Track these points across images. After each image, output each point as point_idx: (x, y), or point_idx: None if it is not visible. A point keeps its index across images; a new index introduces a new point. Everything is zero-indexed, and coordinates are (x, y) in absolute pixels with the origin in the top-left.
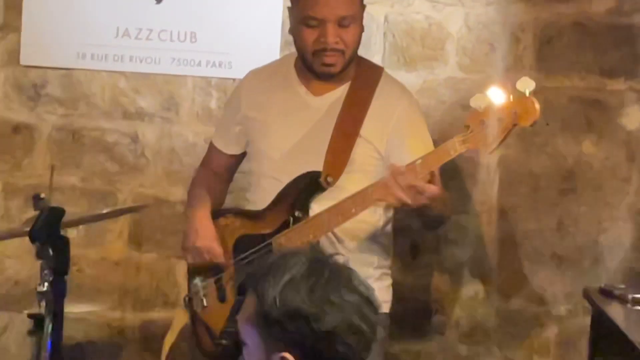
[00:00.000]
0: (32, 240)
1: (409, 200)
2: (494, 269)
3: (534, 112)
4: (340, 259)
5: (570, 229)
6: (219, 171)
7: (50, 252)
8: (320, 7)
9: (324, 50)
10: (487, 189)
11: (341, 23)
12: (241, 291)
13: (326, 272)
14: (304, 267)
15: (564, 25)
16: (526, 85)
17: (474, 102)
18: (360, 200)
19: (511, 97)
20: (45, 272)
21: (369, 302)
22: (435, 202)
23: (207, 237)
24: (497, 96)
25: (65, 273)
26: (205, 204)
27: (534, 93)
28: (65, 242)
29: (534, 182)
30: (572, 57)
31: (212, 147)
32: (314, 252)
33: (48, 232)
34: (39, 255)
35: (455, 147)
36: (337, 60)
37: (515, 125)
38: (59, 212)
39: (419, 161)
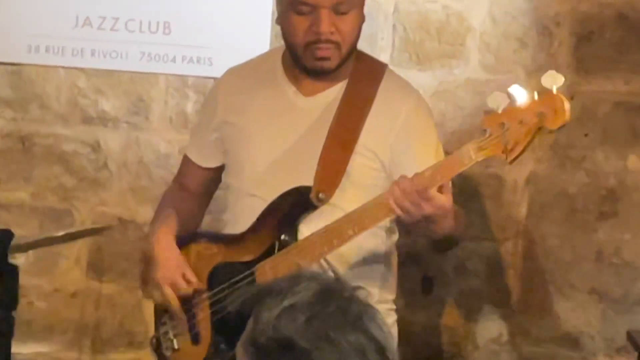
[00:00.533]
0: None
1: (412, 209)
2: (520, 306)
3: (562, 113)
4: (361, 294)
5: (612, 260)
6: (194, 189)
7: None
8: None
9: (317, 41)
10: (513, 212)
11: (337, 9)
12: (218, 330)
13: (333, 304)
14: (310, 293)
15: (606, 18)
16: (553, 80)
17: (492, 102)
18: (358, 219)
19: (535, 94)
20: None
21: (380, 348)
22: (444, 215)
23: (168, 267)
24: (518, 94)
25: (13, 308)
26: (167, 225)
27: (570, 95)
28: (13, 272)
29: (569, 203)
30: (615, 56)
31: (185, 160)
32: (328, 280)
33: None
34: None
35: (470, 155)
36: (333, 54)
37: (540, 128)
38: (6, 236)
39: (428, 172)
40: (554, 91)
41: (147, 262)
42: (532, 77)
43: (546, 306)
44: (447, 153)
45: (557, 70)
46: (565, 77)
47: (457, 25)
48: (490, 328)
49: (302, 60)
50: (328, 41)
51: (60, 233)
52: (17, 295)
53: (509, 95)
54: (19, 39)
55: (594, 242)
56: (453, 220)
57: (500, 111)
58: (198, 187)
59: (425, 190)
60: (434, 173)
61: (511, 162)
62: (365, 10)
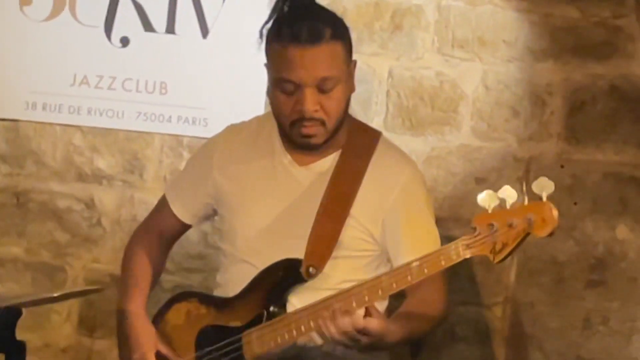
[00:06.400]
0: None
1: (349, 343)
2: None
3: (551, 221)
4: None
5: (599, 328)
6: (167, 235)
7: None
8: (296, 69)
9: (302, 119)
10: (502, 278)
11: (322, 87)
12: None
13: None
14: None
15: (598, 89)
16: (543, 187)
17: (482, 201)
18: (347, 300)
19: (525, 199)
20: None
21: None
22: (383, 337)
23: (142, 345)
24: (509, 197)
25: None
26: (142, 293)
27: (560, 163)
28: (21, 349)
29: (557, 271)
30: (606, 127)
31: (165, 206)
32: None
33: (1, 338)
34: None
35: (458, 252)
36: (318, 131)
37: (528, 234)
38: (13, 313)
39: (416, 263)
40: (544, 198)
41: (122, 334)
42: (523, 145)
43: None
44: (439, 219)
45: (549, 139)
46: (556, 146)
47: (451, 92)
48: None
49: (290, 137)
50: (312, 119)
51: (56, 294)
52: None
53: (499, 197)
54: (17, 96)
55: (582, 310)
56: (400, 333)
57: (490, 211)
58: (170, 234)
59: (364, 327)
60: (421, 266)
61: (498, 262)
62: (360, 75)
